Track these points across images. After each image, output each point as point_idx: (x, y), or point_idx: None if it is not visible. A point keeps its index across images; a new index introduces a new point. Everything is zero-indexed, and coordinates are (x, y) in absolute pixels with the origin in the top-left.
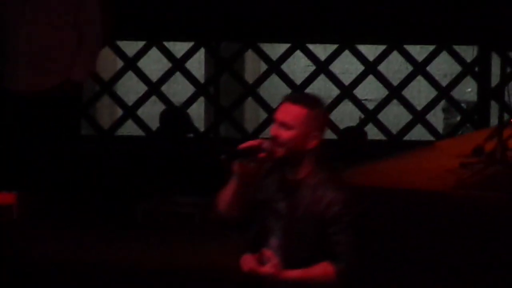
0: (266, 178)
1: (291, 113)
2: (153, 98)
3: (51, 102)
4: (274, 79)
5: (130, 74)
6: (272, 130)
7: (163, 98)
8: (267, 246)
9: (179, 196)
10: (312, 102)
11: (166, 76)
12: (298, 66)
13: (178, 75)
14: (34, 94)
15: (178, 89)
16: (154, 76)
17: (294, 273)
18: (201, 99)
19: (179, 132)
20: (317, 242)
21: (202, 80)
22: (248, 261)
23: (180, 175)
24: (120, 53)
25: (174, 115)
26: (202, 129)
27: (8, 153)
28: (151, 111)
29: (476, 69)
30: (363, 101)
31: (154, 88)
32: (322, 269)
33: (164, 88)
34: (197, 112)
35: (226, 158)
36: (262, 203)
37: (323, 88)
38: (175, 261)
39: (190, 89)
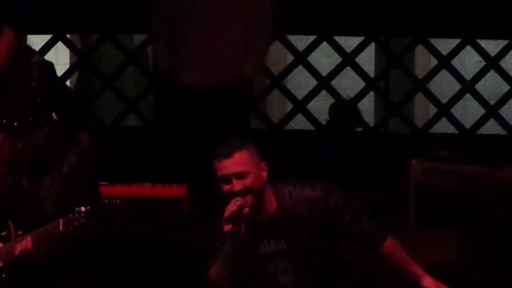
0: (224, 235)
1: (237, 162)
2: (323, 92)
3: (222, 96)
4: (445, 74)
5: (300, 69)
6: (233, 187)
7: (333, 93)
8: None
9: (348, 190)
10: (239, 143)
11: (337, 71)
12: (470, 61)
13: (348, 70)
14: (205, 89)
15: (348, 84)
16: (324, 71)
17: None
18: (371, 94)
19: (348, 126)
20: (331, 242)
21: (372, 75)
22: None
23: (349, 169)
24: (291, 47)
25: (344, 109)
26: (371, 123)
27: (180, 148)
28: (321, 106)
29: None
30: None
31: (324, 83)
32: (401, 252)
33: (334, 82)
34: (367, 106)
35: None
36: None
37: (494, 84)
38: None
39: (360, 84)
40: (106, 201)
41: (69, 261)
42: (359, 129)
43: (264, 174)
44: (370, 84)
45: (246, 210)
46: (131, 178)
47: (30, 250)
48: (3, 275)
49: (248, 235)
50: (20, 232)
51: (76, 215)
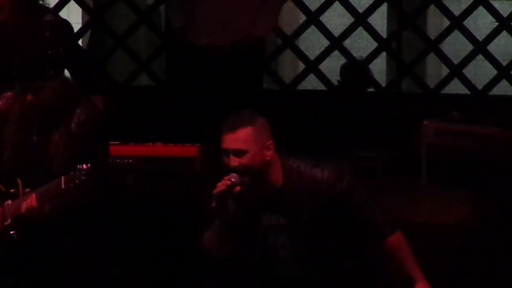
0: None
1: (237, 139)
2: (335, 52)
3: (234, 56)
4: (457, 35)
5: (312, 29)
6: (230, 162)
7: (345, 53)
8: (276, 262)
9: (360, 150)
10: (249, 119)
11: (349, 31)
12: (482, 22)
13: (360, 30)
14: (217, 48)
15: (361, 44)
16: (337, 31)
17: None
18: (383, 54)
19: (360, 87)
20: (337, 225)
21: (384, 35)
22: None
23: (360, 130)
24: (303, 7)
25: (356, 69)
26: (383, 84)
27: (192, 107)
28: (333, 66)
29: None
30: None
31: (336, 43)
32: (405, 251)
33: (346, 42)
34: (379, 67)
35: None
36: (243, 228)
37: (507, 45)
38: None
39: (372, 44)
40: (118, 160)
41: (74, 219)
42: (371, 89)
43: (269, 153)
44: (382, 44)
45: (238, 188)
46: (143, 137)
47: (35, 207)
48: (11, 232)
49: (250, 206)
50: (28, 189)
51: (77, 173)
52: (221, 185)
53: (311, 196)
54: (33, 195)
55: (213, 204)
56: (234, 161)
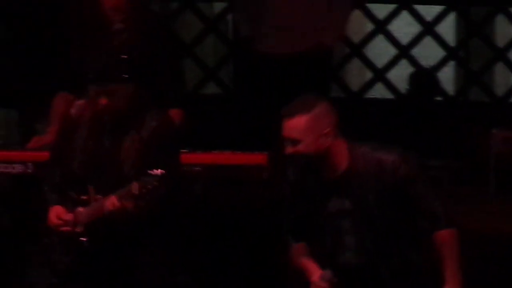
0: (297, 192)
1: (293, 128)
2: (403, 61)
3: (302, 64)
4: None
5: (380, 37)
6: (287, 149)
7: (413, 61)
8: (343, 249)
9: (427, 159)
10: (307, 106)
11: (417, 40)
12: None
13: (428, 39)
14: (285, 57)
15: (428, 53)
16: (404, 39)
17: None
18: (451, 63)
19: (428, 95)
20: (399, 211)
21: (452, 44)
22: None
23: (428, 138)
24: (371, 16)
25: (424, 78)
26: (451, 92)
27: (259, 115)
28: (401, 74)
29: None
30: None
31: (404, 51)
32: (451, 249)
33: (414, 51)
34: (447, 75)
35: None
36: (311, 216)
37: None
38: None
39: (440, 53)
40: (186, 168)
41: (145, 226)
42: (439, 98)
43: (327, 141)
44: (450, 53)
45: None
46: (211, 145)
47: (118, 206)
48: (82, 239)
49: (317, 193)
50: (99, 196)
51: (150, 178)
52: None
53: (375, 178)
54: (113, 197)
55: None
56: (289, 149)
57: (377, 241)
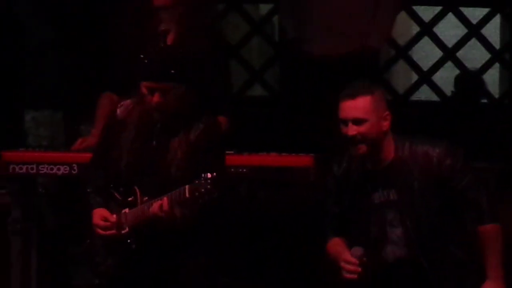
0: (342, 185)
1: (358, 107)
2: (449, 63)
3: (348, 66)
4: None
5: (426, 39)
6: (348, 130)
7: (459, 64)
8: (386, 241)
9: (473, 161)
10: (368, 88)
11: (462, 42)
12: None
13: (473, 41)
14: (332, 59)
15: (474, 55)
16: (450, 42)
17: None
18: (496, 65)
19: (473, 97)
20: (443, 205)
21: (497, 46)
22: None
23: (474, 140)
24: (416, 18)
25: (469, 80)
26: (496, 95)
27: (305, 117)
28: (447, 76)
29: None
30: None
31: (449, 54)
32: (495, 244)
33: (460, 53)
34: (492, 78)
35: None
36: (356, 208)
37: None
38: None
39: (485, 55)
40: (232, 170)
41: (195, 229)
42: (484, 100)
43: (386, 124)
44: (496, 55)
45: (364, 260)
46: (257, 147)
47: (168, 211)
48: (129, 241)
49: (364, 184)
50: (146, 198)
51: (203, 182)
52: (349, 269)
53: (421, 170)
54: (165, 198)
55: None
56: (352, 130)
57: (421, 234)
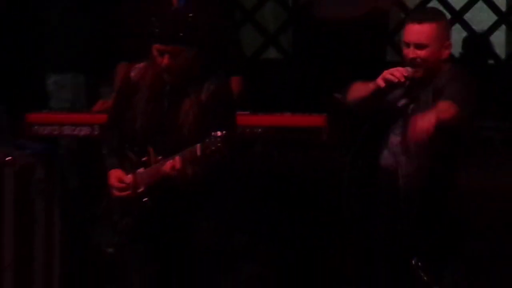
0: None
1: (422, 32)
2: (456, 25)
3: (359, 29)
4: None
5: (434, 2)
6: (409, 53)
7: (466, 26)
8: (386, 145)
9: (479, 120)
10: (435, 15)
11: (469, 4)
12: None
13: (481, 4)
14: (343, 22)
15: (481, 17)
16: (457, 5)
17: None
18: (503, 27)
19: (480, 59)
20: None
21: (504, 8)
22: None
23: (480, 101)
24: None
25: (476, 42)
26: (503, 56)
27: (318, 78)
28: (455, 38)
29: None
30: None
31: (457, 16)
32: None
33: (467, 16)
34: (499, 40)
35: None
36: (389, 105)
37: None
38: (474, 183)
39: (492, 17)
40: (247, 130)
41: (207, 186)
42: (491, 61)
43: (446, 52)
44: (502, 17)
45: (407, 82)
46: (272, 107)
47: (180, 169)
48: (144, 199)
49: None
50: (160, 157)
51: (213, 140)
52: (396, 72)
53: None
54: (177, 158)
55: (379, 80)
56: (413, 53)
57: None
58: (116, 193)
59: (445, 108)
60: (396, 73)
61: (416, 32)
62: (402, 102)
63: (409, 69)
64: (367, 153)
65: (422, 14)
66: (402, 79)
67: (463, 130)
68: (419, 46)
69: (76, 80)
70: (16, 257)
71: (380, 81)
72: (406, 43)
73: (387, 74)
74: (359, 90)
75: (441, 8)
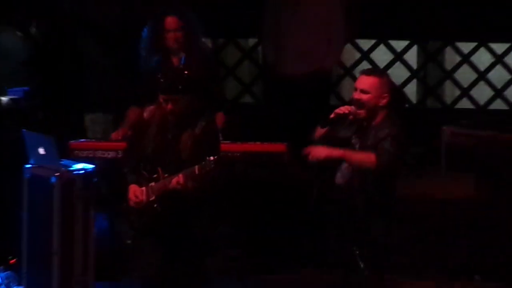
0: (345, 127)
1: (368, 82)
2: None
3: (310, 81)
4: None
5: (364, 63)
6: (355, 95)
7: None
8: (339, 171)
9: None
10: (380, 73)
11: (390, 64)
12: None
13: (398, 64)
14: (298, 75)
15: (398, 73)
16: (381, 64)
17: (337, 152)
18: (414, 81)
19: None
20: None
21: (415, 67)
22: None
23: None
24: (358, 48)
25: (397, 94)
26: (414, 101)
27: (282, 116)
28: None
29: None
30: None
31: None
32: (366, 154)
33: (388, 72)
34: (411, 90)
35: (323, 125)
36: (341, 141)
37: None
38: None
39: (406, 73)
40: (229, 154)
41: (203, 196)
42: (406, 105)
43: (384, 101)
44: (413, 73)
45: (351, 117)
46: (247, 138)
47: (183, 184)
48: (155, 205)
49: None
50: (166, 175)
51: (208, 162)
52: (341, 109)
53: (376, 133)
54: (181, 175)
55: (333, 115)
56: (358, 95)
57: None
58: (132, 204)
59: (371, 160)
60: (343, 108)
61: (363, 81)
62: (353, 139)
63: (352, 107)
64: (327, 173)
65: (371, 70)
66: (347, 111)
67: (395, 164)
68: (363, 91)
69: (106, 118)
70: (61, 245)
71: (332, 115)
72: (355, 88)
73: (336, 110)
74: (319, 130)
75: (370, 66)
